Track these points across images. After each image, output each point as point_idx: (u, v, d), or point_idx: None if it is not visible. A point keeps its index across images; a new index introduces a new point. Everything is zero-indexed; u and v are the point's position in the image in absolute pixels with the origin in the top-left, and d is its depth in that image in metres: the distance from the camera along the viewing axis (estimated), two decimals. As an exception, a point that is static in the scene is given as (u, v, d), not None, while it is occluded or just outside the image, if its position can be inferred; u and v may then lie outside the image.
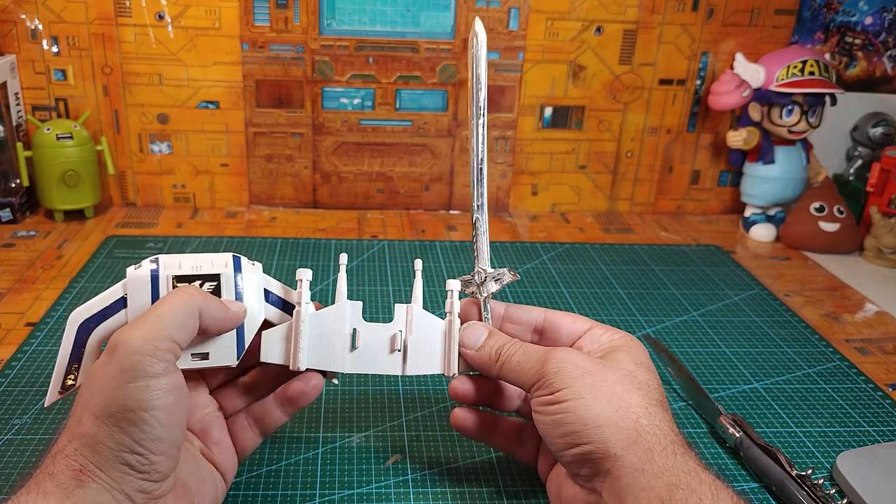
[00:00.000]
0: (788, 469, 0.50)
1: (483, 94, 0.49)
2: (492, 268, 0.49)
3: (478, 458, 0.53)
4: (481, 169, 0.50)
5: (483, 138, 0.49)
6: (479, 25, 0.49)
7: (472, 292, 0.49)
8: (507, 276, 0.49)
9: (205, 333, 0.42)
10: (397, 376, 0.61)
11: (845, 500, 0.48)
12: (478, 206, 0.50)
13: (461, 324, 0.48)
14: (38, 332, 0.66)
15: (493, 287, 0.49)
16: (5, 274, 0.77)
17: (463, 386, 0.48)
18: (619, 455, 0.39)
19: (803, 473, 0.49)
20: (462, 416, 0.49)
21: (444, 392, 0.60)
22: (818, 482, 0.49)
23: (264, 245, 0.86)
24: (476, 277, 0.49)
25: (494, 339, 0.46)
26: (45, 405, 0.42)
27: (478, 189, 0.50)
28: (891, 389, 0.65)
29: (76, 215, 0.92)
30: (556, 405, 0.41)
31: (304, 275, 0.46)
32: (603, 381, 0.41)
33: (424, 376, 0.62)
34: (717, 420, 0.56)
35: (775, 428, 0.58)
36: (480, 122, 0.49)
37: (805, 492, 0.48)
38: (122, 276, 0.44)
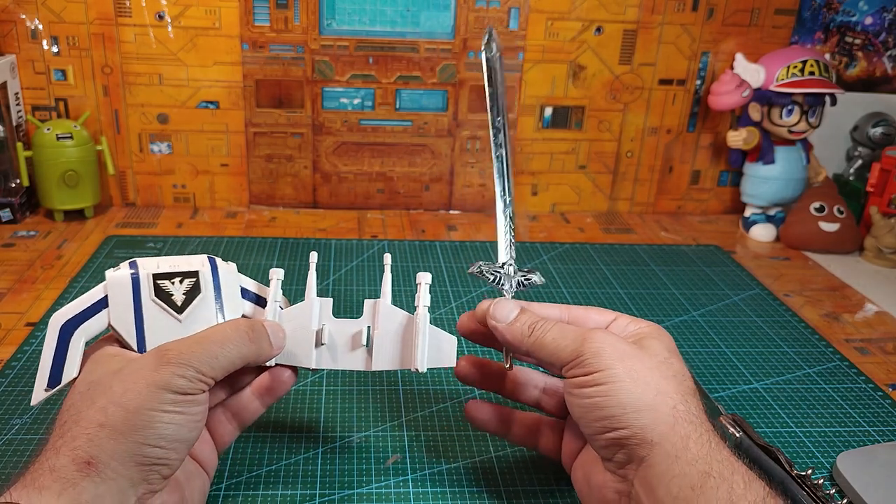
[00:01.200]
0: (788, 469, 0.50)
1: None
2: (516, 266, 0.49)
3: (478, 458, 0.53)
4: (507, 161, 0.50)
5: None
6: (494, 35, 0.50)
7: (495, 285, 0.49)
8: (536, 279, 0.49)
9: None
10: (397, 375, 0.62)
11: (845, 500, 0.48)
12: (508, 200, 0.51)
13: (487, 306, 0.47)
14: (38, 332, 0.66)
15: (515, 286, 0.48)
16: (5, 274, 0.77)
17: (468, 367, 0.48)
18: (656, 441, 0.38)
19: (803, 473, 0.49)
20: (476, 407, 0.49)
21: (444, 392, 0.60)
22: (818, 482, 0.49)
23: (264, 245, 0.86)
24: (504, 269, 0.49)
25: (527, 315, 0.45)
26: (32, 403, 0.43)
27: (505, 182, 0.50)
28: (891, 389, 0.65)
29: (76, 215, 0.92)
30: (594, 387, 0.40)
31: (276, 274, 0.47)
32: (642, 366, 0.41)
33: (424, 376, 0.62)
34: (717, 420, 0.56)
35: (775, 428, 0.58)
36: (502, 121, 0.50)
37: (805, 492, 0.48)
38: None
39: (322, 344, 0.47)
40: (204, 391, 0.40)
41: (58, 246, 0.84)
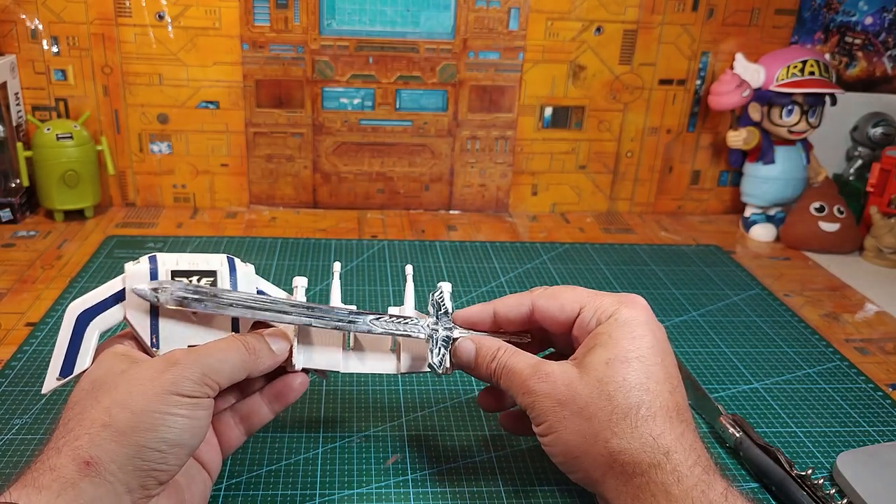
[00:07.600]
0: (788, 469, 0.50)
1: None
2: (432, 316, 0.48)
3: (478, 458, 0.53)
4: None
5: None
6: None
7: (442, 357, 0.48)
8: (456, 332, 0.48)
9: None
10: (397, 376, 0.62)
11: (845, 500, 0.48)
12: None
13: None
14: (38, 332, 0.66)
15: (449, 332, 0.48)
16: (5, 274, 0.77)
17: (487, 396, 0.51)
18: (601, 481, 0.41)
19: (803, 473, 0.49)
20: (485, 399, 0.51)
21: (444, 392, 0.60)
22: (818, 482, 0.49)
23: (264, 245, 0.86)
24: (434, 338, 0.48)
25: (482, 357, 0.46)
26: (43, 392, 0.43)
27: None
28: (891, 389, 0.65)
29: (76, 215, 0.92)
30: (541, 437, 0.43)
31: (301, 282, 0.48)
32: (574, 408, 0.42)
33: (424, 376, 0.62)
34: (717, 420, 0.56)
35: (775, 428, 0.58)
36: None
37: (805, 492, 0.48)
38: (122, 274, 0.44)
39: (349, 348, 0.48)
40: (209, 396, 0.40)
41: (58, 246, 0.84)
